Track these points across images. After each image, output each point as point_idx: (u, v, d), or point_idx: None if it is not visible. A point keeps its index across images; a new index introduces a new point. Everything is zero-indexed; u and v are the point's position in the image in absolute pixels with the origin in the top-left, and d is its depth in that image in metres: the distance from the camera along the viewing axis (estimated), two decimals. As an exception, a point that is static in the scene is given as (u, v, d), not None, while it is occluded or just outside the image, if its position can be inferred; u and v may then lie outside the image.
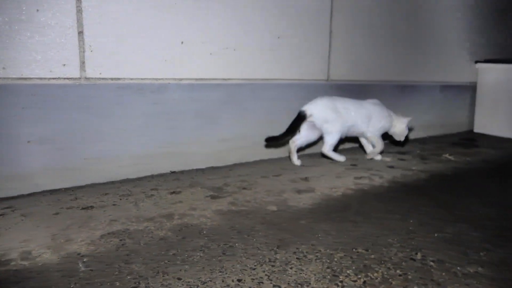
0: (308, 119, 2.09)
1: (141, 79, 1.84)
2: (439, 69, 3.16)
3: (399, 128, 2.26)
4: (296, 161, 2.16)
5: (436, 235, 1.32)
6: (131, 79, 1.82)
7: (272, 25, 2.20)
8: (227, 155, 2.15)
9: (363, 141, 2.38)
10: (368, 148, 2.35)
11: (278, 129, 2.08)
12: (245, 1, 2.08)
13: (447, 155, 2.49)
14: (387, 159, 2.35)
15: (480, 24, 3.39)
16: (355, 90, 2.59)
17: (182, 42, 1.91)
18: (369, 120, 2.20)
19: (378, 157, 2.31)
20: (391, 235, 1.31)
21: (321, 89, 2.45)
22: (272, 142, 2.12)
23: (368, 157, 2.32)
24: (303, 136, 2.14)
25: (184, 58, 1.94)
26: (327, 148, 2.15)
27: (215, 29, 2.01)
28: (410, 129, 2.37)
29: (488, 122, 3.34)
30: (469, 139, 3.13)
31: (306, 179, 1.92)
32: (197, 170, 2.03)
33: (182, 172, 1.99)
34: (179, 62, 1.93)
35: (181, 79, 1.95)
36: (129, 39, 1.78)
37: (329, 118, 2.09)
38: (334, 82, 2.52)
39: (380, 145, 2.25)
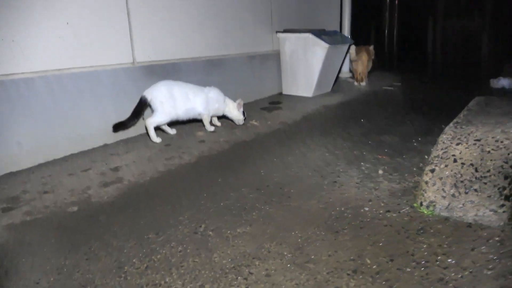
0: (149, 103, 2.31)
1: None
2: (246, 41, 3.47)
3: (232, 111, 2.65)
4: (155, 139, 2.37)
5: (222, 203, 1.56)
6: None
7: (59, 11, 2.05)
8: (26, 157, 2.00)
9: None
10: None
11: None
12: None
13: (253, 121, 2.83)
14: (200, 133, 2.55)
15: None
16: (164, 71, 2.66)
17: None
18: (207, 104, 2.52)
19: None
20: (183, 213, 1.48)
21: (128, 74, 2.44)
22: (120, 128, 2.29)
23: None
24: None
25: None
26: (151, 121, 2.33)
27: None
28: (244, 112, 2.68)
29: (291, 85, 3.87)
30: (276, 102, 3.59)
31: (116, 169, 1.95)
32: (-9, 179, 1.84)
33: (-28, 185, 1.78)
34: None
35: None
36: None
37: (164, 100, 2.32)
38: (141, 65, 2.53)
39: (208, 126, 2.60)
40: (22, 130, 1.98)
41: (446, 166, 1.47)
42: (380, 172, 1.83)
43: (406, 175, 1.79)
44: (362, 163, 1.96)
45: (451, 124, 1.69)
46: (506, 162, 1.40)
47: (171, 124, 2.49)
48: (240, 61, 3.41)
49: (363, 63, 4.39)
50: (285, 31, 3.75)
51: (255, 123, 2.80)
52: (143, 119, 2.38)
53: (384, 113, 3.10)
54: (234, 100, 2.65)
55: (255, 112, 3.14)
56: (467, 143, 1.51)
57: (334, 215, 1.45)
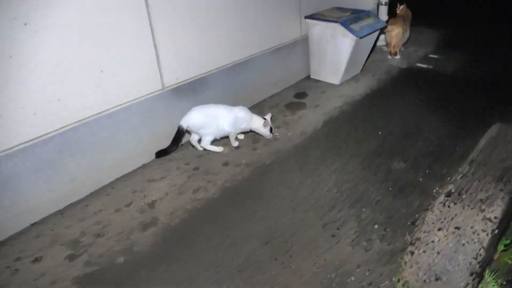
0: (187, 130, 2.67)
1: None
2: (271, 33, 3.47)
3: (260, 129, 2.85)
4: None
5: (234, 262, 1.92)
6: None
7: (93, 61, 2.27)
8: (80, 188, 2.42)
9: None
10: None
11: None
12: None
13: (275, 133, 3.03)
14: (225, 150, 2.82)
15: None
16: (192, 88, 2.86)
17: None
18: (235, 123, 2.78)
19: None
20: (202, 272, 1.87)
21: (158, 99, 2.68)
22: (162, 154, 2.74)
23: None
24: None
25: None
26: (204, 144, 2.77)
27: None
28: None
29: (319, 70, 3.89)
30: (301, 94, 3.67)
31: (152, 204, 2.34)
32: (56, 213, 2.31)
33: (42, 221, 2.25)
34: None
35: None
36: None
37: (200, 126, 2.67)
38: (170, 88, 2.74)
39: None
40: (73, 167, 2.36)
41: (424, 252, 1.70)
42: (376, 226, 2.07)
43: (398, 231, 2.03)
44: (363, 209, 2.20)
45: (442, 198, 1.86)
46: (475, 258, 1.61)
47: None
48: (265, 57, 3.46)
49: (397, 36, 4.23)
50: (313, 17, 3.65)
51: (277, 134, 2.99)
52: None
53: (405, 114, 3.15)
54: (262, 114, 2.87)
55: (279, 113, 3.31)
56: (447, 230, 1.71)
57: (325, 283, 1.78)
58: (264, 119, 2.83)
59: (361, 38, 3.45)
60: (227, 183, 2.49)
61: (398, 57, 4.41)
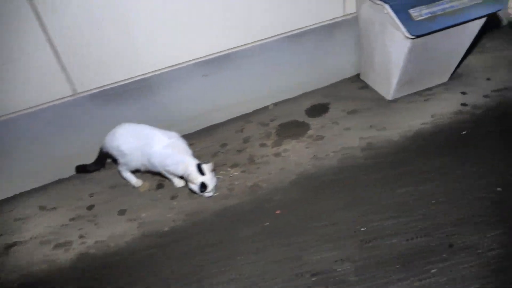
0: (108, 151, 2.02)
1: None
2: (287, 9, 2.25)
3: None
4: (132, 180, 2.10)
5: None
6: None
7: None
8: None
9: None
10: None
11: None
12: None
13: (229, 171, 2.07)
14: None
15: None
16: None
17: None
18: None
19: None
20: None
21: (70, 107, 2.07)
22: (81, 171, 2.19)
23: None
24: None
25: None
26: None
27: None
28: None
29: (369, 69, 2.47)
30: (320, 106, 2.41)
31: (6, 249, 1.90)
32: None
33: None
34: None
35: None
36: None
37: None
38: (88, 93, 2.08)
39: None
40: None
41: None
42: None
43: None
44: None
45: None
46: None
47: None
48: (275, 46, 2.32)
49: None
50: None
51: (215, 193, 1.97)
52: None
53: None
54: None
55: (256, 139, 2.25)
56: None
57: None
58: (200, 164, 1.89)
59: (420, 36, 1.92)
60: (102, 247, 1.81)
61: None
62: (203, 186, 1.85)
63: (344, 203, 1.78)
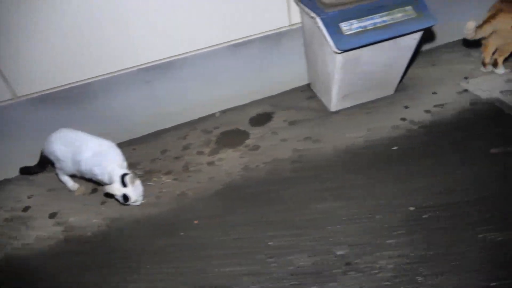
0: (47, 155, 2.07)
1: None
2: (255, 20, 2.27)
3: None
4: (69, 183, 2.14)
5: None
6: None
7: None
8: None
9: None
10: None
11: None
12: None
13: (161, 178, 2.11)
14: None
15: None
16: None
17: None
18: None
19: None
20: None
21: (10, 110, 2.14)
22: (25, 172, 2.25)
23: None
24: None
25: None
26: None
27: None
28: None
29: (315, 79, 2.47)
30: (265, 115, 2.42)
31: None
32: None
33: None
34: None
35: None
36: None
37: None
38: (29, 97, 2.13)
39: None
40: None
41: None
42: None
43: None
44: None
45: None
46: None
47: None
48: (218, 55, 2.34)
49: (502, 34, 2.28)
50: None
51: (138, 202, 1.97)
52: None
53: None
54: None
55: (196, 147, 2.29)
56: None
57: None
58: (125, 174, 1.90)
59: (347, 51, 1.91)
60: (27, 249, 1.87)
61: (501, 71, 2.42)
62: (125, 198, 1.89)
63: (258, 217, 1.80)
